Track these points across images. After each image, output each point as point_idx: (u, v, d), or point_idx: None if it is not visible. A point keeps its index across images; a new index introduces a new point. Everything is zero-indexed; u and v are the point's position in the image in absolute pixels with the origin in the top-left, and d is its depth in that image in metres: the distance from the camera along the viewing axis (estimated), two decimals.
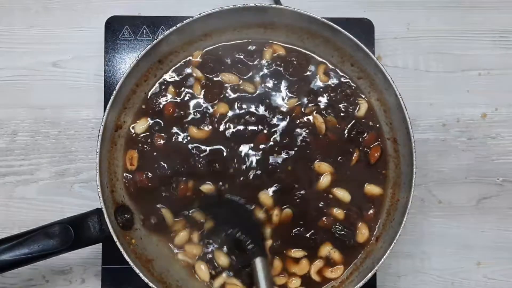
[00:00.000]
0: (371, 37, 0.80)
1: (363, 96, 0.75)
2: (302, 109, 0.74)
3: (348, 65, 0.75)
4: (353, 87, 0.75)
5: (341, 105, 0.74)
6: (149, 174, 0.72)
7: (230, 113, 0.73)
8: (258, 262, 0.68)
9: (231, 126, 0.73)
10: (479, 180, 0.82)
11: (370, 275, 0.66)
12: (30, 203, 0.80)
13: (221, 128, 0.73)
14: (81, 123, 0.82)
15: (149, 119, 0.73)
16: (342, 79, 0.75)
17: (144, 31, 0.81)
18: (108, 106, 0.68)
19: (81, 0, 0.84)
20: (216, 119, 0.73)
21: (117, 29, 0.81)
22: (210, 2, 0.77)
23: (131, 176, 0.72)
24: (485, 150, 0.82)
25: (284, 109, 0.74)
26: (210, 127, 0.73)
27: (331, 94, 0.74)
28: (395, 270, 0.80)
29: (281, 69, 0.75)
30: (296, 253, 0.72)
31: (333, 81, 0.75)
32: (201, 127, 0.73)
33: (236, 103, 0.74)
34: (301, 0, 0.81)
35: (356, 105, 0.74)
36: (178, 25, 0.70)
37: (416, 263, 0.80)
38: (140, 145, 0.73)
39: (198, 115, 0.73)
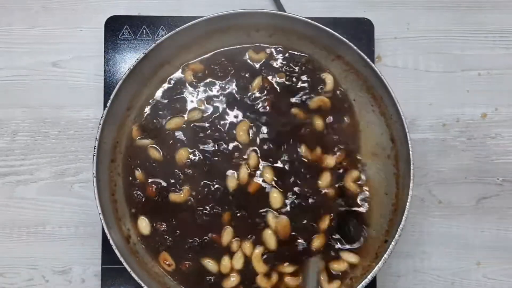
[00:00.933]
0: (371, 37, 0.80)
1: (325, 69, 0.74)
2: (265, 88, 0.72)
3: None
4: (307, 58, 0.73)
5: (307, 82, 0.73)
6: (189, 255, 0.70)
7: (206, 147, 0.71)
8: None
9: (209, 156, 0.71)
10: (479, 180, 0.82)
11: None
12: (30, 203, 0.80)
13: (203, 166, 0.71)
14: (81, 123, 0.81)
15: (143, 216, 0.72)
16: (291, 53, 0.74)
17: (144, 31, 0.81)
18: (106, 229, 0.66)
19: (81, 0, 0.84)
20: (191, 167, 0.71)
21: (117, 29, 0.81)
22: (210, 2, 0.77)
23: (177, 276, 0.71)
24: (484, 150, 0.82)
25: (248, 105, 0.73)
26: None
27: (288, 69, 0.73)
28: (395, 270, 0.80)
29: (211, 78, 0.73)
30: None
31: (279, 56, 0.74)
32: (181, 188, 0.71)
33: (199, 138, 0.72)
34: (301, 1, 0.81)
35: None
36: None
37: (416, 263, 0.80)
38: (160, 241, 0.71)
39: (178, 177, 0.71)
